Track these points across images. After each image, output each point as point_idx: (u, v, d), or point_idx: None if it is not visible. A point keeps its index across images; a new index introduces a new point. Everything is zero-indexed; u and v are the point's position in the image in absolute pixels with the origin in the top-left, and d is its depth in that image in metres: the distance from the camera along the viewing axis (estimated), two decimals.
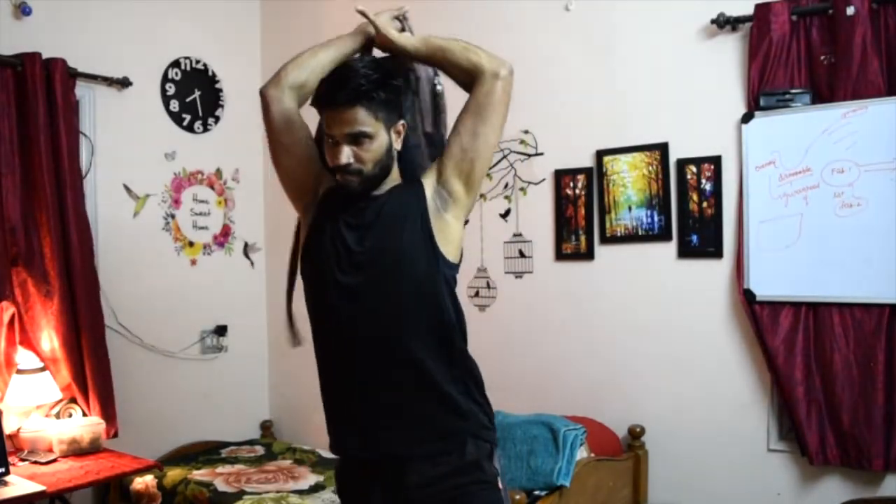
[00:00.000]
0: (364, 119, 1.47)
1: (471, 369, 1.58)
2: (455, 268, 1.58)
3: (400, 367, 1.51)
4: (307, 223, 1.65)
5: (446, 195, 1.55)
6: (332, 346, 1.58)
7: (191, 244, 3.71)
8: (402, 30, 1.68)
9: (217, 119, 3.82)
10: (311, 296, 1.60)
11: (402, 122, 1.57)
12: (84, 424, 2.90)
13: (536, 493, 2.42)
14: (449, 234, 1.55)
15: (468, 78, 1.54)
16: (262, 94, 1.60)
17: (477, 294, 3.32)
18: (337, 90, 1.48)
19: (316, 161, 1.64)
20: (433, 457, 1.52)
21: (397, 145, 1.57)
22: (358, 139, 1.48)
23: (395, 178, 1.59)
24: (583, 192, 3.02)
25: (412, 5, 1.74)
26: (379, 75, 1.49)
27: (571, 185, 3.04)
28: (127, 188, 3.44)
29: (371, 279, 1.51)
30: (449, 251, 1.55)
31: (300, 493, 3.01)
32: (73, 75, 3.09)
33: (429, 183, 1.57)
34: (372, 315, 1.50)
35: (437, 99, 1.70)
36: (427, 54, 1.60)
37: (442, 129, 1.71)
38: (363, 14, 1.63)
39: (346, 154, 1.49)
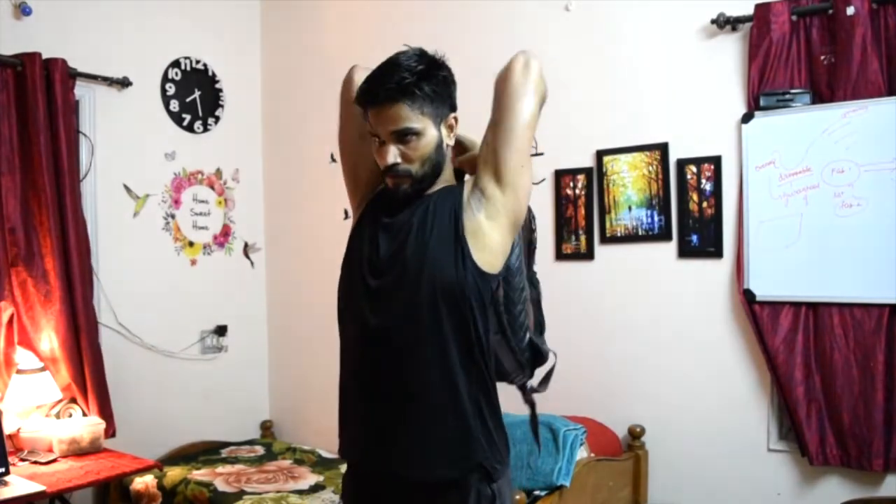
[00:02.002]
0: (408, 115, 1.40)
1: (488, 393, 1.46)
2: (490, 279, 1.43)
3: (412, 379, 1.43)
4: (354, 223, 1.60)
5: (480, 194, 1.43)
6: (350, 348, 1.53)
7: (191, 244, 3.71)
8: None
9: (217, 119, 3.82)
10: (341, 296, 1.56)
11: (453, 115, 1.48)
12: (84, 424, 2.90)
13: (536, 493, 2.42)
14: (484, 240, 1.41)
15: None
16: (350, 70, 1.57)
17: None
18: (378, 86, 1.40)
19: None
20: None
21: (449, 140, 1.49)
22: (404, 137, 1.41)
23: (447, 177, 1.51)
24: (583, 192, 3.01)
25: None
26: (423, 67, 1.41)
27: (571, 185, 3.04)
28: (127, 188, 3.44)
29: (394, 283, 1.44)
30: (483, 259, 1.41)
31: (300, 493, 3.01)
32: (73, 75, 3.09)
33: (468, 185, 1.48)
34: (391, 320, 1.43)
35: (532, 236, 1.61)
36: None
37: (533, 268, 1.63)
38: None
39: (393, 154, 1.42)
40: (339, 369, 1.57)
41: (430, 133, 1.43)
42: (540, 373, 1.67)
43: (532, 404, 1.66)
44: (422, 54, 1.45)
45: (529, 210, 1.58)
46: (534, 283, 1.62)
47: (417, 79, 1.39)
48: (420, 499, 1.46)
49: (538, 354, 1.59)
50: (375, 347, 1.47)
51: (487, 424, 1.46)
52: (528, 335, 1.56)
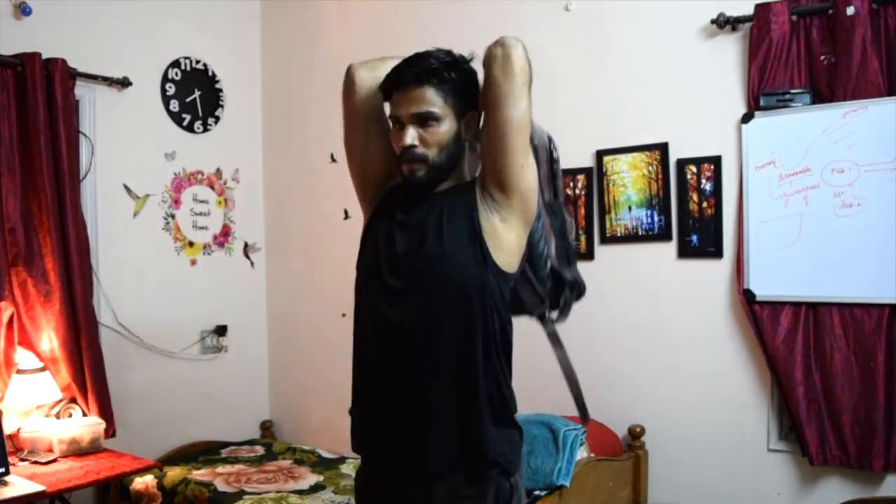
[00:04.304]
0: (432, 99, 1.43)
1: (501, 389, 1.49)
2: (507, 279, 1.47)
3: (433, 376, 1.44)
4: (366, 220, 1.61)
5: (490, 198, 1.46)
6: (367, 346, 1.53)
7: (191, 244, 3.71)
8: None
9: (217, 119, 3.82)
10: (358, 294, 1.56)
11: (473, 112, 1.50)
12: (84, 424, 2.90)
13: (536, 493, 2.41)
14: (500, 240, 1.45)
15: None
16: (350, 70, 1.56)
17: None
18: (406, 70, 1.45)
19: (388, 158, 1.57)
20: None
21: (467, 137, 1.51)
22: (424, 120, 1.44)
23: (460, 174, 1.53)
24: (583, 192, 3.01)
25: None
26: (451, 59, 1.46)
27: (571, 185, 3.04)
28: (127, 188, 3.44)
29: (414, 282, 1.45)
30: (502, 259, 1.45)
31: (300, 493, 3.00)
32: (73, 75, 3.09)
33: (478, 187, 1.50)
34: (412, 318, 1.45)
35: (553, 165, 1.63)
36: None
37: (560, 197, 1.65)
38: None
39: (411, 136, 1.44)
40: (348, 368, 1.58)
41: (449, 122, 1.46)
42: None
43: (554, 336, 1.66)
44: (450, 52, 1.50)
45: (550, 140, 1.62)
46: (555, 212, 1.62)
47: (445, 66, 1.44)
48: (438, 492, 1.46)
49: (560, 284, 1.59)
50: (395, 345, 1.48)
51: (501, 420, 1.49)
52: (549, 264, 1.57)
